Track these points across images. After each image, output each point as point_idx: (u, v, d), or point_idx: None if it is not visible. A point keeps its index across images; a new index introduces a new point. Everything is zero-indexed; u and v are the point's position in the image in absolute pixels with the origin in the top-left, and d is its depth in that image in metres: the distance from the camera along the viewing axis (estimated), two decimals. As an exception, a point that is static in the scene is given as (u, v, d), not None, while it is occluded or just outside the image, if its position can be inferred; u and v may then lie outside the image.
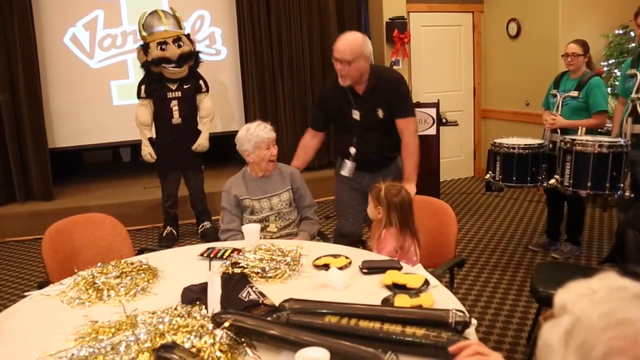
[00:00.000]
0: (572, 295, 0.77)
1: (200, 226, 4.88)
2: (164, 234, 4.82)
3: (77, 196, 5.62)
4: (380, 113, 2.97)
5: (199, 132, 4.76)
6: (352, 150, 3.04)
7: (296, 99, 6.15)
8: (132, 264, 2.13)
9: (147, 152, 4.66)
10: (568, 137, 3.47)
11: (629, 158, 3.33)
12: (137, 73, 5.89)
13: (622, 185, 3.30)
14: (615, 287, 0.76)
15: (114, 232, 2.74)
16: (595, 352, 0.70)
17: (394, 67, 5.71)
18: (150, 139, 4.68)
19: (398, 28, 5.90)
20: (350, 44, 2.83)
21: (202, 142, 4.72)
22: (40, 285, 2.13)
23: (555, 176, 3.53)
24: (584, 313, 0.74)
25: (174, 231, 4.85)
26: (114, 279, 2.00)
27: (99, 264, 2.12)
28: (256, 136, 2.76)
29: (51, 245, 2.52)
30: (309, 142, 3.23)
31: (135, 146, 7.42)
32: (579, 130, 3.64)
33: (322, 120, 3.21)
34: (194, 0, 5.97)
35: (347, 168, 3.07)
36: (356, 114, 3.00)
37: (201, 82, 4.77)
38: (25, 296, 1.98)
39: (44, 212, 5.08)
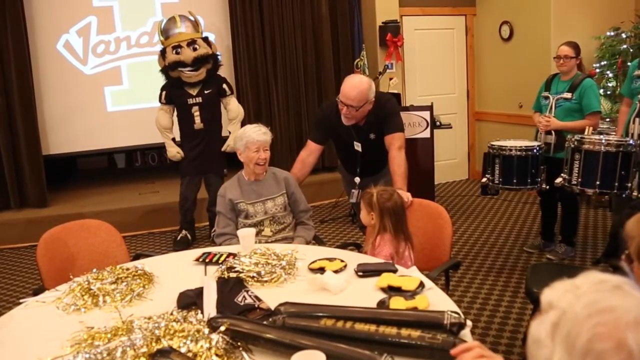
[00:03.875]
0: (557, 293, 0.81)
1: (213, 230, 4.88)
2: (179, 238, 4.80)
3: (72, 203, 5.60)
4: (372, 136, 3.15)
5: (221, 137, 4.77)
6: (357, 179, 3.27)
7: (290, 103, 6.17)
8: (127, 269, 2.13)
9: (175, 152, 4.65)
10: (577, 136, 3.44)
11: (637, 158, 3.29)
12: (130, 79, 5.93)
13: (629, 185, 3.27)
14: (597, 280, 0.79)
15: (109, 238, 2.73)
16: (580, 340, 0.73)
17: (387, 71, 5.73)
18: (173, 139, 4.69)
19: (391, 32, 5.92)
20: (357, 90, 2.94)
21: (230, 143, 4.70)
22: (36, 292, 2.13)
23: (562, 175, 3.49)
24: (569, 306, 0.77)
25: (188, 235, 4.82)
26: (110, 284, 2.00)
27: (94, 270, 2.12)
28: (248, 136, 2.78)
29: (46, 252, 2.51)
30: (307, 158, 3.26)
31: (130, 152, 7.43)
32: (587, 130, 3.63)
33: (322, 138, 3.32)
34: (187, 5, 5.97)
35: (355, 196, 3.26)
36: (358, 146, 3.19)
37: (224, 85, 4.76)
38: (21, 303, 1.98)
39: (39, 219, 5.07)
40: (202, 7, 6.05)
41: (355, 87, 2.94)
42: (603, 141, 3.30)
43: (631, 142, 3.29)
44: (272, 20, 5.99)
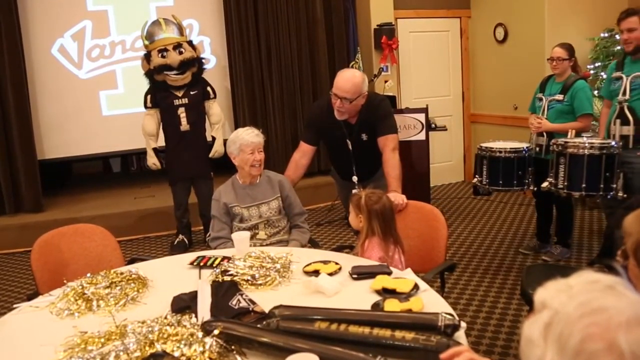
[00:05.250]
0: (550, 292, 0.80)
1: (208, 234, 4.87)
2: (175, 242, 4.80)
3: (67, 207, 5.58)
4: (364, 136, 3.15)
5: (206, 139, 4.78)
6: (355, 178, 3.27)
7: (285, 106, 6.17)
8: (121, 273, 2.12)
9: (152, 162, 4.70)
10: (560, 140, 3.48)
11: (620, 159, 3.33)
12: (126, 83, 5.92)
13: (614, 186, 3.31)
14: (590, 280, 0.79)
15: (103, 242, 2.72)
16: (572, 341, 0.73)
17: (383, 73, 5.74)
18: (155, 149, 4.69)
19: (386, 34, 5.94)
20: (351, 83, 2.96)
21: (218, 149, 4.72)
22: (30, 297, 2.12)
23: (548, 179, 3.52)
24: (561, 306, 0.77)
25: (185, 239, 4.83)
26: (104, 289, 1.99)
27: (88, 275, 2.11)
28: (241, 139, 2.78)
29: (40, 256, 2.50)
30: (300, 160, 3.27)
31: (126, 156, 7.43)
32: (569, 133, 3.66)
33: (315, 139, 3.32)
34: (182, 9, 5.97)
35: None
36: (350, 144, 3.19)
37: (208, 88, 4.78)
38: (14, 308, 1.97)
39: (34, 224, 5.05)
40: (197, 11, 6.07)
41: (349, 80, 2.96)
42: (586, 144, 3.34)
43: (613, 143, 3.34)
44: (267, 23, 5.99)
